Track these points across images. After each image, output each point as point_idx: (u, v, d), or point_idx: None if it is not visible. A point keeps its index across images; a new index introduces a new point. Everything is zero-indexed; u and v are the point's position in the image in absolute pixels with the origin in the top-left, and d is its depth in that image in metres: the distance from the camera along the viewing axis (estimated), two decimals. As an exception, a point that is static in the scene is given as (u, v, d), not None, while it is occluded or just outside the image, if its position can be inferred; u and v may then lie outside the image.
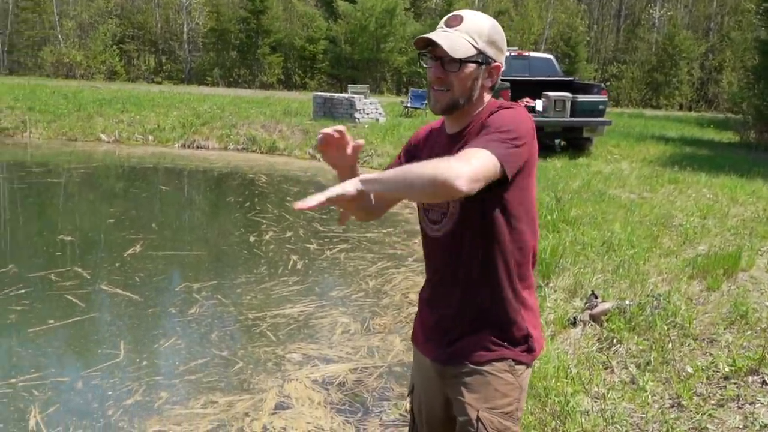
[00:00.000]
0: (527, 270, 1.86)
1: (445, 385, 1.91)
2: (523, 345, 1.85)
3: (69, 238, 7.25)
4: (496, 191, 1.68)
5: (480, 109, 1.83)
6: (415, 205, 2.08)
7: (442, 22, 1.79)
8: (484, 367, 1.81)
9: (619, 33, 51.41)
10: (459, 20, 1.76)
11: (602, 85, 13.82)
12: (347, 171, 1.86)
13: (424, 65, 1.81)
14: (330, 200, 1.52)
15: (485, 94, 1.83)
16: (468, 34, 1.74)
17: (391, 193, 1.62)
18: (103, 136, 16.04)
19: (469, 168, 1.50)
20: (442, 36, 1.73)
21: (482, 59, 1.76)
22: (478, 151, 1.58)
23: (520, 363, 1.84)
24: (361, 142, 1.81)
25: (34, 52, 38.73)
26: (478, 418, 1.78)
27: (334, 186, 1.56)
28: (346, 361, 4.37)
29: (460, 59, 1.72)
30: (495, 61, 1.79)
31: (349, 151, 1.80)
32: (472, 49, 1.74)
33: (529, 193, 1.80)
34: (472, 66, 1.75)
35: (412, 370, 2.13)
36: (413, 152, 1.96)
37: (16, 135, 16.16)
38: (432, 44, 1.74)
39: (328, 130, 1.76)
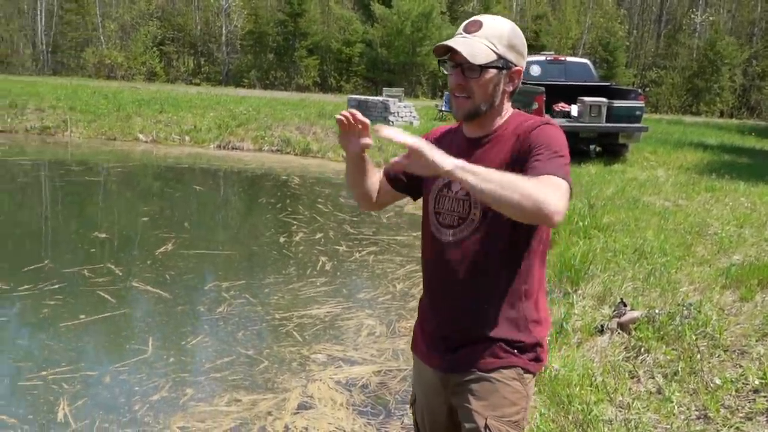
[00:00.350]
0: (542, 278, 1.84)
1: (448, 394, 1.89)
2: (532, 353, 1.83)
3: (104, 236, 7.39)
4: None
5: (503, 118, 1.82)
6: None
7: (461, 28, 1.78)
8: (492, 374, 1.79)
9: (659, 38, 50.62)
10: (478, 25, 1.75)
11: (639, 90, 13.62)
12: (354, 158, 1.88)
13: (446, 72, 1.80)
14: (411, 149, 1.50)
15: (506, 98, 1.81)
16: (487, 39, 1.73)
17: (473, 190, 1.53)
18: (141, 136, 16.33)
19: (564, 204, 1.54)
20: (461, 42, 1.72)
21: (503, 64, 1.74)
22: (564, 185, 1.58)
23: (528, 372, 1.82)
24: (369, 141, 1.80)
25: (77, 53, 39.59)
26: (486, 426, 1.76)
27: (427, 146, 1.51)
28: (370, 363, 4.38)
29: (480, 65, 1.71)
30: (516, 66, 1.77)
31: (361, 142, 1.81)
32: (492, 55, 1.72)
33: None
34: (492, 72, 1.74)
35: (413, 380, 2.09)
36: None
37: (58, 134, 16.54)
38: (452, 51, 1.73)
39: (344, 113, 1.77)
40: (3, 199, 9.67)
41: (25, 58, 40.61)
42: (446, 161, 1.50)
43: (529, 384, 1.83)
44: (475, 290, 1.80)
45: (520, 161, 1.69)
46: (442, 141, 1.91)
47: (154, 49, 39.56)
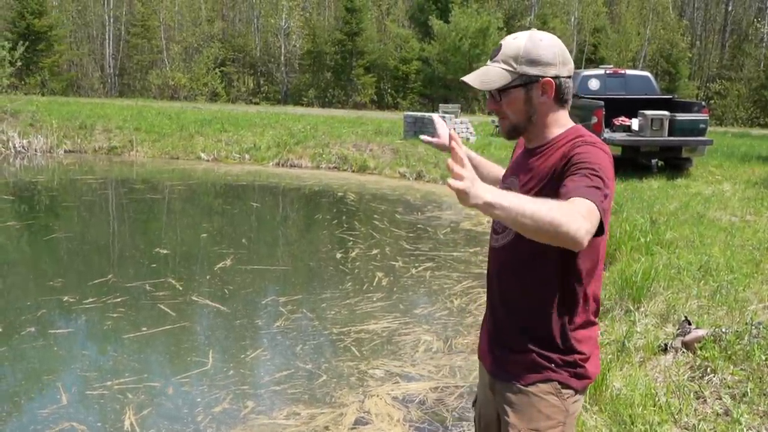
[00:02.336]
0: (587, 294, 1.82)
1: (495, 400, 1.92)
2: (572, 369, 1.81)
3: (165, 251, 7.62)
4: None
5: (557, 128, 1.83)
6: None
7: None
8: (530, 388, 1.81)
9: (723, 49, 49.22)
10: (498, 50, 1.82)
11: (703, 103, 13.26)
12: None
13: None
14: (456, 156, 1.43)
15: (551, 109, 1.81)
16: (504, 61, 1.78)
17: (503, 218, 1.49)
18: (202, 155, 16.75)
19: (590, 228, 1.51)
20: (475, 74, 1.82)
21: (524, 80, 1.77)
22: (592, 207, 1.54)
23: (567, 387, 1.81)
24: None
25: (143, 75, 40.98)
26: None
27: (467, 173, 1.42)
28: (427, 379, 4.37)
29: (497, 89, 1.79)
30: (542, 77, 1.77)
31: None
32: (507, 76, 1.77)
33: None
34: (515, 91, 1.79)
35: (478, 382, 2.15)
36: (513, 154, 2.07)
37: (124, 153, 17.13)
38: None
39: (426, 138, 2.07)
40: (71, 216, 10.07)
41: (94, 81, 42.23)
42: (473, 191, 1.42)
43: (568, 399, 1.82)
44: (514, 300, 1.84)
45: (558, 177, 1.70)
46: (516, 151, 2.03)
47: (216, 70, 40.59)
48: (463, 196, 1.42)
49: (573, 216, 1.49)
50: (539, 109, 1.80)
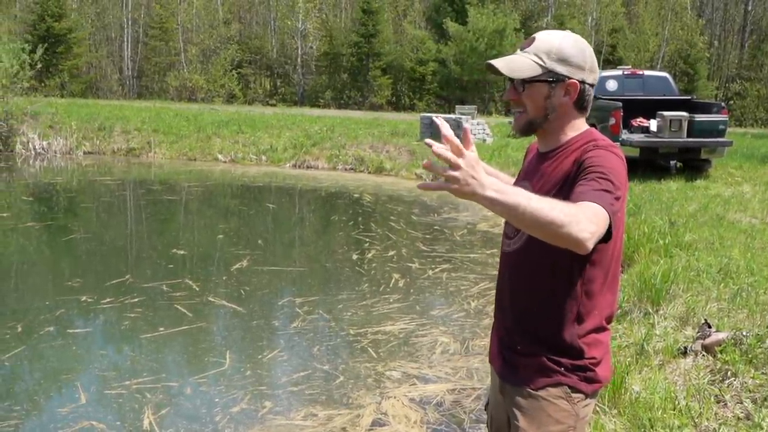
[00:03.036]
0: (600, 299, 1.79)
1: (505, 403, 1.91)
2: (582, 373, 1.80)
3: (182, 252, 7.67)
4: None
5: (570, 133, 1.81)
6: None
7: (518, 46, 1.83)
8: (539, 392, 1.80)
9: (743, 49, 48.71)
10: (531, 41, 1.80)
11: (722, 104, 13.12)
12: None
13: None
14: (453, 146, 1.41)
15: (569, 113, 1.80)
16: (535, 54, 1.76)
17: (503, 213, 1.47)
18: (220, 156, 16.84)
19: (595, 230, 1.48)
20: (503, 59, 1.78)
21: (551, 77, 1.75)
22: (599, 210, 1.52)
23: (577, 391, 1.80)
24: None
25: (161, 77, 41.24)
26: None
27: (463, 161, 1.40)
28: (444, 381, 4.36)
29: (523, 79, 1.75)
30: (569, 78, 1.76)
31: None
32: (537, 68, 1.75)
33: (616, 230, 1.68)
34: (540, 85, 1.76)
35: (490, 385, 2.14)
36: (524, 159, 2.05)
37: (142, 155, 17.26)
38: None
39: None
40: (90, 217, 10.16)
41: (113, 83, 42.59)
42: (474, 186, 1.40)
43: (578, 403, 1.81)
44: (525, 305, 1.83)
45: (571, 182, 1.68)
46: (529, 154, 2.02)
47: (233, 71, 40.80)
48: (459, 186, 1.38)
49: (577, 217, 1.46)
50: (558, 109, 1.79)
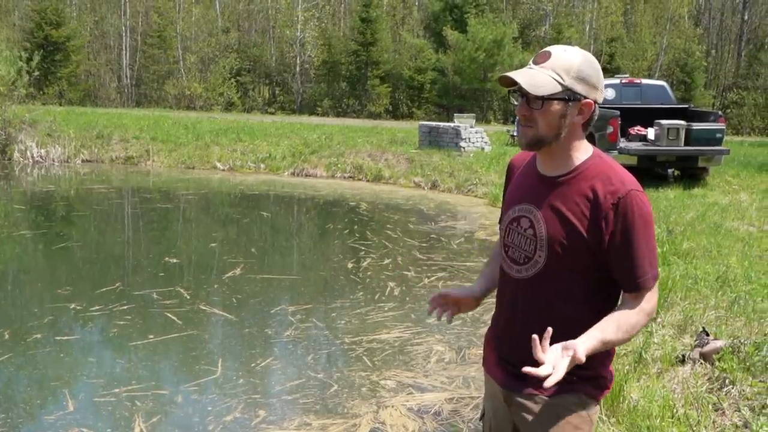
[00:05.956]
0: (609, 314, 1.78)
1: (512, 411, 1.87)
2: (594, 381, 1.81)
3: (174, 260, 7.63)
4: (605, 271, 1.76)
5: (579, 153, 1.78)
6: None
7: (531, 60, 1.77)
8: (555, 400, 1.77)
9: (740, 58, 48.85)
10: (547, 57, 1.73)
11: (719, 112, 13.15)
12: (470, 302, 2.09)
13: (515, 102, 1.79)
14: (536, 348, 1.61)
15: (577, 131, 1.77)
16: (554, 70, 1.71)
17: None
18: (218, 164, 16.81)
19: (654, 305, 1.77)
20: (523, 74, 1.72)
21: (569, 96, 1.71)
22: (655, 290, 1.76)
23: (591, 398, 1.81)
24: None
25: (159, 85, 41.26)
26: None
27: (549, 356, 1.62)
28: (441, 390, 4.31)
29: (542, 97, 1.70)
30: (585, 98, 1.73)
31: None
32: (556, 86, 1.70)
33: None
34: (557, 103, 1.71)
35: (484, 395, 2.10)
36: (509, 175, 2.00)
37: (141, 163, 17.22)
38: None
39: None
40: (84, 225, 10.12)
41: (111, 91, 42.60)
42: (580, 352, 1.60)
43: (592, 409, 1.82)
44: (537, 328, 1.75)
45: (599, 231, 1.70)
46: (521, 168, 1.94)
47: (232, 80, 40.83)
48: (570, 365, 1.58)
49: (642, 319, 1.73)
50: (570, 128, 1.74)
